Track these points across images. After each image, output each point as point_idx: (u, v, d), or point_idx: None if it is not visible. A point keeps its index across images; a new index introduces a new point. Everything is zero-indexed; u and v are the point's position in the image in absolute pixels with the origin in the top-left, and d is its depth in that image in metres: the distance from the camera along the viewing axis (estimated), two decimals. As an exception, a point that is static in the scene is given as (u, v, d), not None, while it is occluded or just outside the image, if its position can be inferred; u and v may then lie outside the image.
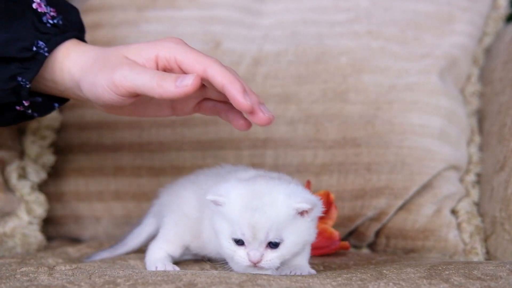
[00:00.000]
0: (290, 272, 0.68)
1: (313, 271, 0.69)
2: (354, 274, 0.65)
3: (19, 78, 0.69)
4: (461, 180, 0.93)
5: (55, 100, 0.75)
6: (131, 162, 0.95)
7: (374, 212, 0.89)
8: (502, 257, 0.82)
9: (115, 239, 0.86)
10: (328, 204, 0.82)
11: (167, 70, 0.68)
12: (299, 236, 0.66)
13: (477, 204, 0.91)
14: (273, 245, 0.65)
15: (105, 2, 1.03)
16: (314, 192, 0.83)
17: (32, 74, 0.69)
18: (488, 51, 1.02)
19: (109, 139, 0.97)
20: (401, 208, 0.89)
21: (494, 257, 0.84)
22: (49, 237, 0.95)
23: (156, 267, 0.73)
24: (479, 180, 0.93)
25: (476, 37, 1.00)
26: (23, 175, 0.93)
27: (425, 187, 0.89)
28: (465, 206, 0.90)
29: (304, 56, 0.97)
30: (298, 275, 0.66)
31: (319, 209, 0.67)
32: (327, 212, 0.82)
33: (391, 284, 0.61)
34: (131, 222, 0.96)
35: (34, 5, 0.71)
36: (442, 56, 0.96)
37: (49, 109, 0.75)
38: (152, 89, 0.65)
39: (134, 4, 1.03)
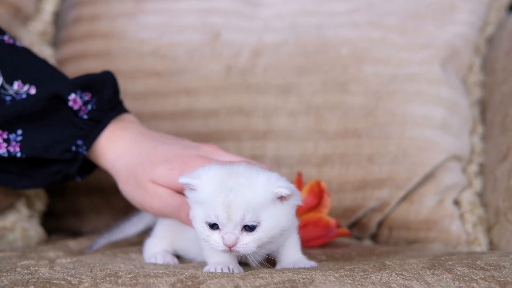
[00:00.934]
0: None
1: (313, 263, 0.69)
2: (356, 266, 0.64)
3: (64, 172, 0.76)
4: (464, 170, 0.92)
5: None
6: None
7: (376, 203, 0.89)
8: (506, 247, 0.82)
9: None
10: (320, 192, 0.82)
11: None
12: (277, 220, 0.64)
13: (480, 195, 0.91)
14: (249, 228, 0.63)
15: (104, -7, 1.03)
16: (305, 182, 0.83)
17: (74, 169, 0.75)
18: (490, 41, 1.01)
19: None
20: (403, 199, 0.89)
21: (498, 247, 0.84)
22: (49, 231, 0.95)
23: (156, 259, 0.72)
24: (482, 171, 0.92)
25: (477, 26, 1.00)
26: (23, 169, 0.93)
27: (427, 178, 0.89)
28: (467, 197, 0.89)
29: (304, 47, 0.96)
30: (301, 268, 0.66)
31: (297, 198, 0.65)
32: (319, 200, 0.81)
33: (394, 274, 0.61)
34: (131, 214, 0.96)
35: (70, 103, 0.75)
36: (443, 46, 0.95)
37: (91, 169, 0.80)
38: (173, 215, 0.73)
39: (132, -4, 1.02)
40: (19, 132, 0.74)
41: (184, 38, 0.99)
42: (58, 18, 1.05)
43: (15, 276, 0.60)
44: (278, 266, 0.69)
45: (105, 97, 0.76)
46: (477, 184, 0.91)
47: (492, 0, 1.02)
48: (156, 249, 0.74)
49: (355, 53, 0.95)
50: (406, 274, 0.61)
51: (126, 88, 0.94)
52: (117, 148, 0.75)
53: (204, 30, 0.99)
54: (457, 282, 0.59)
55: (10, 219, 0.89)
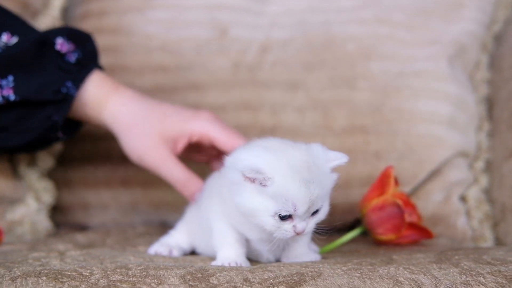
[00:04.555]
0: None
1: (318, 256, 0.69)
2: (364, 259, 0.65)
3: (54, 117, 0.77)
4: (470, 167, 0.93)
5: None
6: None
7: (382, 199, 0.89)
8: (512, 243, 0.83)
9: (123, 227, 0.86)
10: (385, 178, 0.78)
11: (197, 144, 0.79)
12: (328, 194, 0.64)
13: (486, 191, 0.91)
14: (315, 212, 0.63)
15: (112, -11, 1.03)
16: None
17: (65, 112, 0.77)
18: (497, 38, 1.01)
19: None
20: (410, 195, 0.89)
21: (504, 243, 0.84)
22: (56, 224, 0.96)
23: (156, 251, 0.72)
24: (488, 167, 0.93)
25: (485, 23, 1.00)
26: (31, 163, 0.94)
27: (434, 174, 0.89)
28: (474, 193, 0.90)
29: (311, 43, 0.97)
30: (309, 261, 0.66)
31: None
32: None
33: (401, 268, 0.61)
34: (138, 209, 0.96)
35: (58, 47, 0.78)
36: (450, 42, 0.95)
37: (76, 129, 0.83)
38: (174, 186, 0.78)
39: (141, -9, 1.03)
40: (11, 78, 0.76)
41: (192, 34, 0.99)
42: (66, 13, 1.06)
43: (27, 268, 0.60)
44: (283, 257, 0.69)
45: (89, 49, 0.80)
46: (484, 180, 0.92)
47: (499, -2, 1.02)
48: (166, 241, 0.74)
49: (362, 49, 0.95)
50: (413, 268, 0.61)
51: (134, 83, 0.94)
52: (120, 97, 0.79)
53: (212, 26, 0.99)
54: (464, 276, 0.60)
55: (18, 212, 0.90)
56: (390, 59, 0.94)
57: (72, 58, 0.79)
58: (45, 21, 1.02)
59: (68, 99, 0.77)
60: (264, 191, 0.61)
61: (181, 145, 0.78)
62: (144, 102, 0.79)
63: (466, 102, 0.94)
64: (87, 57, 0.80)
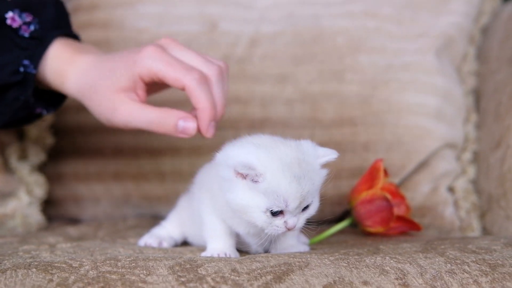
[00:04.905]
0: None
1: (306, 247, 0.70)
2: (351, 250, 0.66)
3: (21, 97, 0.73)
4: (458, 158, 0.94)
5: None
6: (129, 143, 0.96)
7: (371, 190, 0.90)
8: (498, 233, 0.84)
9: (114, 220, 0.87)
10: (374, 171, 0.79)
11: (154, 82, 0.73)
12: (318, 190, 0.65)
13: (474, 182, 0.92)
14: (305, 207, 0.64)
15: (102, -16, 1.03)
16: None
17: (28, 92, 0.73)
18: (485, 30, 1.02)
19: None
20: (398, 186, 0.90)
21: (491, 233, 0.86)
22: (49, 218, 0.96)
23: (146, 243, 0.73)
24: (476, 158, 0.94)
25: (472, 16, 1.01)
26: (23, 157, 0.94)
27: (422, 165, 0.90)
28: (461, 184, 0.91)
29: (300, 36, 0.97)
30: (297, 252, 0.67)
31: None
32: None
33: (387, 258, 0.62)
34: (130, 202, 0.97)
35: (8, 21, 0.73)
36: (438, 35, 0.96)
37: (59, 102, 0.79)
38: (152, 130, 0.73)
39: (131, -14, 1.03)
40: None
41: (182, 28, 1.00)
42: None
43: (17, 260, 0.61)
44: (271, 249, 0.70)
45: (48, 17, 0.75)
46: (471, 171, 0.93)
47: (487, -11, 1.03)
48: (157, 233, 0.75)
49: (351, 42, 0.96)
50: (399, 258, 0.62)
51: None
52: (78, 68, 0.74)
53: (202, 20, 1.00)
54: (449, 264, 0.61)
55: (10, 206, 0.90)
56: (378, 52, 0.95)
57: (28, 31, 0.73)
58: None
59: (28, 78, 0.73)
60: (256, 187, 0.62)
61: (140, 91, 0.73)
62: (99, 63, 0.74)
63: (453, 94, 0.95)
64: (45, 27, 0.75)
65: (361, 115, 0.92)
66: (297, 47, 0.97)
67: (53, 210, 0.98)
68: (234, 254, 0.67)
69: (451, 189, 0.91)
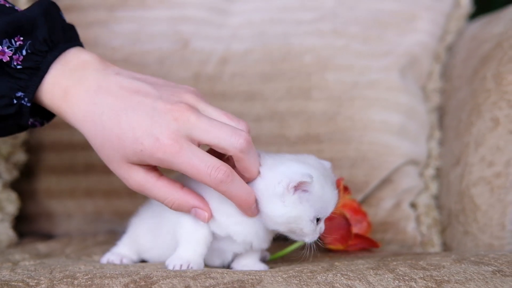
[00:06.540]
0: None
1: (265, 266, 0.72)
2: (305, 267, 0.67)
3: (21, 124, 0.69)
4: (421, 174, 0.96)
5: None
6: (101, 159, 0.97)
7: (335, 206, 0.92)
8: (458, 248, 0.85)
9: (85, 235, 0.88)
10: None
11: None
12: None
13: (436, 198, 0.94)
14: None
15: (76, 2, 1.05)
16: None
17: (24, 122, 0.69)
18: (450, 49, 1.04)
19: (80, 137, 0.98)
20: (361, 202, 0.92)
21: (450, 248, 0.87)
22: (21, 234, 0.97)
23: (108, 260, 0.74)
24: (438, 174, 0.95)
25: (437, 35, 1.03)
26: (-6, 174, 0.95)
27: (385, 182, 0.92)
28: (423, 200, 0.93)
29: (270, 54, 0.99)
30: (252, 270, 0.68)
31: None
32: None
33: (339, 275, 0.64)
34: (102, 218, 0.98)
35: None
36: (403, 53, 0.98)
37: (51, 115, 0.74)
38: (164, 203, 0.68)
39: (105, 4, 1.04)
40: None
41: (155, 46, 1.02)
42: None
43: (-24, 278, 0.62)
44: (234, 263, 0.71)
45: (40, 37, 0.67)
46: (434, 187, 0.94)
47: (452, 10, 1.05)
48: (116, 250, 0.76)
49: (319, 60, 0.98)
50: (350, 275, 0.64)
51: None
52: (75, 112, 0.68)
53: (175, 38, 1.02)
54: (397, 281, 0.62)
55: (-18, 222, 0.91)
56: (345, 70, 0.97)
57: (20, 59, 0.66)
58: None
59: (23, 111, 0.68)
60: (304, 198, 0.66)
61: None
62: (102, 110, 0.67)
63: (417, 111, 0.97)
64: (39, 51, 0.67)
65: (327, 132, 0.94)
66: (267, 65, 0.99)
67: (26, 226, 1.00)
68: (197, 265, 0.68)
69: (413, 205, 0.93)
